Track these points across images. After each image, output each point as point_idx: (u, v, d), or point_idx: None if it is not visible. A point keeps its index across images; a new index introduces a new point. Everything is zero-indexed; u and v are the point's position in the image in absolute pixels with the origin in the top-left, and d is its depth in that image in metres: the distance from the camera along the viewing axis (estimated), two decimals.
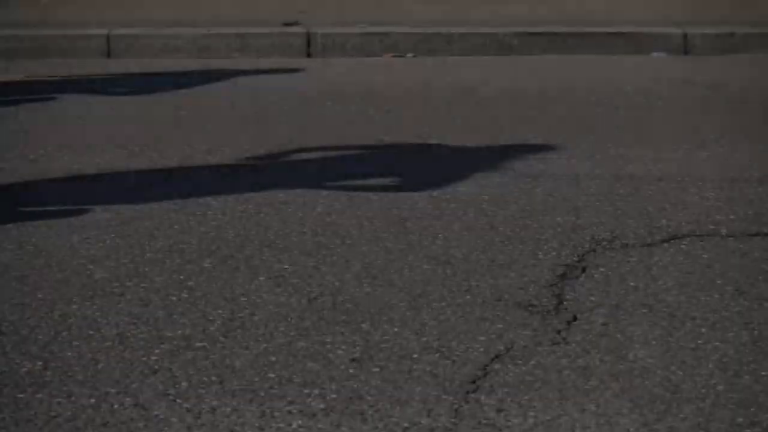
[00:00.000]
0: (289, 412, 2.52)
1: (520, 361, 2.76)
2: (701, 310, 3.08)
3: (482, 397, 2.58)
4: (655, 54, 7.42)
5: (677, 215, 3.89)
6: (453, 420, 2.48)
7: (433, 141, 5.00)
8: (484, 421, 2.47)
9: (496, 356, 2.79)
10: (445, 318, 3.03)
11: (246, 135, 5.12)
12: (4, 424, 2.46)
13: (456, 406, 2.54)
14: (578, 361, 2.77)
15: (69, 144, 4.96)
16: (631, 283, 3.27)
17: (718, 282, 3.29)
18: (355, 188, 4.24)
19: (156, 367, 2.73)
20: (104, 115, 5.53)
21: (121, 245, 3.61)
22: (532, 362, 2.76)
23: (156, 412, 2.51)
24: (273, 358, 2.78)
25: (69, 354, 2.81)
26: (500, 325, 2.97)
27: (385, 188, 4.24)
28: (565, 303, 3.13)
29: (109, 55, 7.30)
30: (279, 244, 3.60)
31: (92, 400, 2.56)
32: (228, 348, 2.84)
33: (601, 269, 3.39)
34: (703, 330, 2.95)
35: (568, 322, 2.99)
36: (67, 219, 3.88)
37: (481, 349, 2.83)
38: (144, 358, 2.78)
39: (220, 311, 3.08)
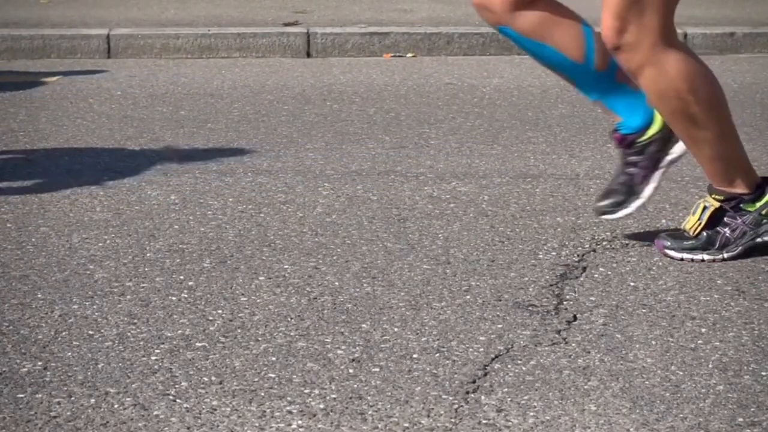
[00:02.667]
0: (289, 412, 2.52)
1: (520, 361, 2.76)
2: (701, 310, 3.08)
3: (482, 397, 2.58)
4: None
5: (677, 215, 3.89)
6: (453, 420, 2.48)
7: (433, 141, 5.00)
8: (484, 421, 2.47)
9: (496, 356, 2.79)
10: (445, 318, 3.03)
11: (246, 135, 5.12)
12: (4, 424, 2.46)
13: (456, 406, 2.54)
14: (578, 361, 2.77)
15: (69, 144, 4.97)
16: (631, 283, 3.28)
17: (718, 282, 3.29)
18: (355, 188, 4.24)
19: (156, 367, 2.73)
20: (104, 115, 5.54)
21: (121, 245, 3.61)
22: (532, 362, 2.76)
23: (156, 412, 2.51)
24: (273, 358, 2.78)
25: (69, 354, 2.81)
26: (500, 325, 2.97)
27: (385, 188, 4.24)
28: (565, 303, 3.13)
29: (109, 55, 7.30)
30: (279, 244, 3.60)
31: (92, 400, 2.56)
32: (228, 348, 2.84)
33: (601, 269, 3.39)
34: (703, 330, 2.95)
35: (568, 322, 2.99)
36: (67, 219, 3.88)
37: (481, 349, 2.83)
38: (144, 358, 2.78)
39: (220, 311, 3.08)
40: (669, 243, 3.46)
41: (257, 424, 2.46)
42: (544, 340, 2.88)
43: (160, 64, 7.02)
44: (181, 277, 3.32)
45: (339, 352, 2.82)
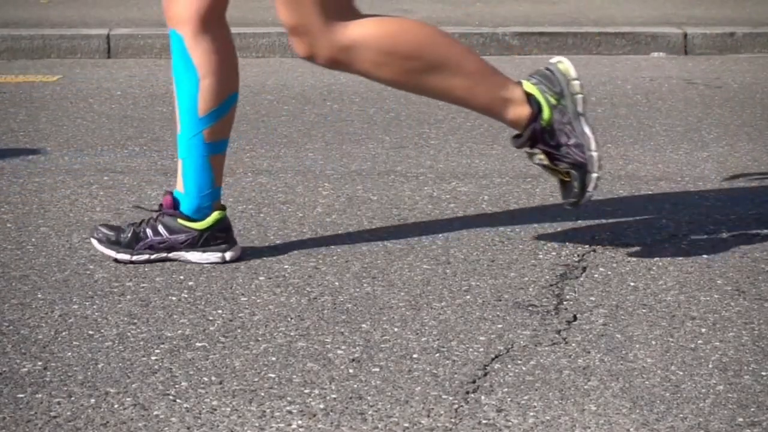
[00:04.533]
0: (289, 412, 2.52)
1: (520, 361, 2.76)
2: (701, 310, 3.08)
3: (482, 397, 2.58)
4: (655, 54, 7.42)
5: (677, 215, 3.89)
6: (453, 420, 2.48)
7: (433, 141, 5.00)
8: (484, 421, 2.47)
9: (496, 356, 2.79)
10: (445, 318, 3.03)
11: (246, 135, 5.12)
12: (4, 424, 2.46)
13: (456, 406, 2.54)
14: (578, 361, 2.77)
15: (69, 144, 4.97)
16: (631, 283, 3.27)
17: (718, 282, 3.29)
18: (355, 188, 4.24)
19: (156, 367, 2.73)
20: (104, 115, 5.54)
21: None
22: (532, 362, 2.76)
23: (156, 412, 2.51)
24: (273, 358, 2.78)
25: (69, 354, 2.81)
26: (500, 325, 2.97)
27: (385, 188, 4.24)
28: (565, 303, 3.13)
29: (109, 55, 7.31)
30: (279, 244, 3.60)
31: (92, 400, 2.56)
32: (228, 348, 2.84)
33: (601, 269, 3.39)
34: (703, 330, 2.95)
35: (568, 322, 2.99)
36: (67, 219, 3.88)
37: (481, 349, 2.83)
38: (144, 358, 2.78)
39: (220, 311, 3.08)
40: (572, 200, 3.32)
41: (257, 424, 2.46)
42: (544, 340, 2.88)
43: (160, 64, 7.02)
44: (181, 277, 3.32)
45: (339, 352, 2.82)
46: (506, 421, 2.48)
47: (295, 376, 2.68)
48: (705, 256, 3.50)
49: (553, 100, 3.30)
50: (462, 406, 2.54)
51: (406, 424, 2.46)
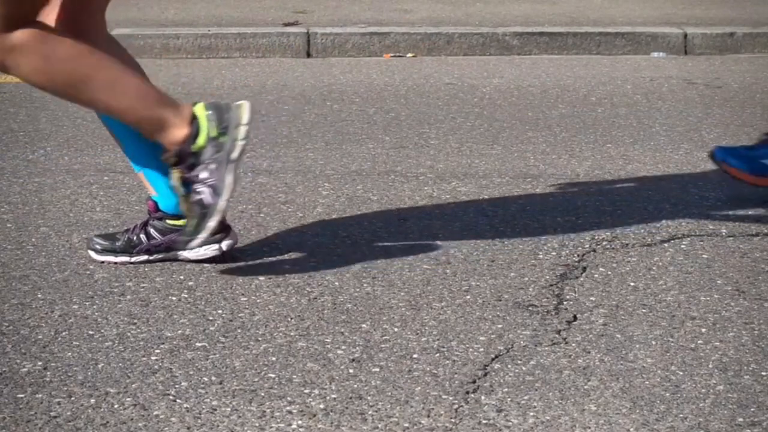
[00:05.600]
0: (289, 412, 2.52)
1: (520, 361, 2.76)
2: (701, 310, 3.08)
3: (482, 397, 2.58)
4: (655, 54, 7.42)
5: (677, 215, 3.89)
6: (453, 420, 2.48)
7: (433, 141, 5.00)
8: (484, 421, 2.47)
9: (496, 356, 2.79)
10: (445, 318, 3.03)
11: None
12: (4, 424, 2.46)
13: (456, 406, 2.54)
14: (578, 361, 2.77)
15: (69, 144, 4.97)
16: (631, 283, 3.27)
17: (718, 282, 3.29)
18: (355, 188, 4.24)
19: (156, 367, 2.73)
20: None
21: None
22: (532, 362, 2.76)
23: (156, 412, 2.51)
24: (273, 358, 2.78)
25: (69, 354, 2.81)
26: (500, 325, 2.97)
27: (385, 188, 4.24)
28: (565, 303, 3.13)
29: None
30: (279, 244, 3.60)
31: (92, 400, 2.56)
32: (228, 348, 2.84)
33: (601, 269, 3.39)
34: (703, 330, 2.95)
35: (568, 322, 2.99)
36: (67, 219, 3.88)
37: (481, 349, 2.83)
38: (144, 358, 2.78)
39: (220, 311, 3.08)
40: (185, 238, 3.25)
41: (257, 424, 2.46)
42: (544, 340, 2.88)
43: (160, 64, 7.02)
44: (181, 277, 3.32)
45: (339, 352, 2.82)
46: (506, 421, 2.48)
47: (295, 376, 2.68)
48: (705, 256, 3.50)
49: (213, 132, 3.24)
50: (462, 406, 2.54)
51: (406, 424, 2.46)
